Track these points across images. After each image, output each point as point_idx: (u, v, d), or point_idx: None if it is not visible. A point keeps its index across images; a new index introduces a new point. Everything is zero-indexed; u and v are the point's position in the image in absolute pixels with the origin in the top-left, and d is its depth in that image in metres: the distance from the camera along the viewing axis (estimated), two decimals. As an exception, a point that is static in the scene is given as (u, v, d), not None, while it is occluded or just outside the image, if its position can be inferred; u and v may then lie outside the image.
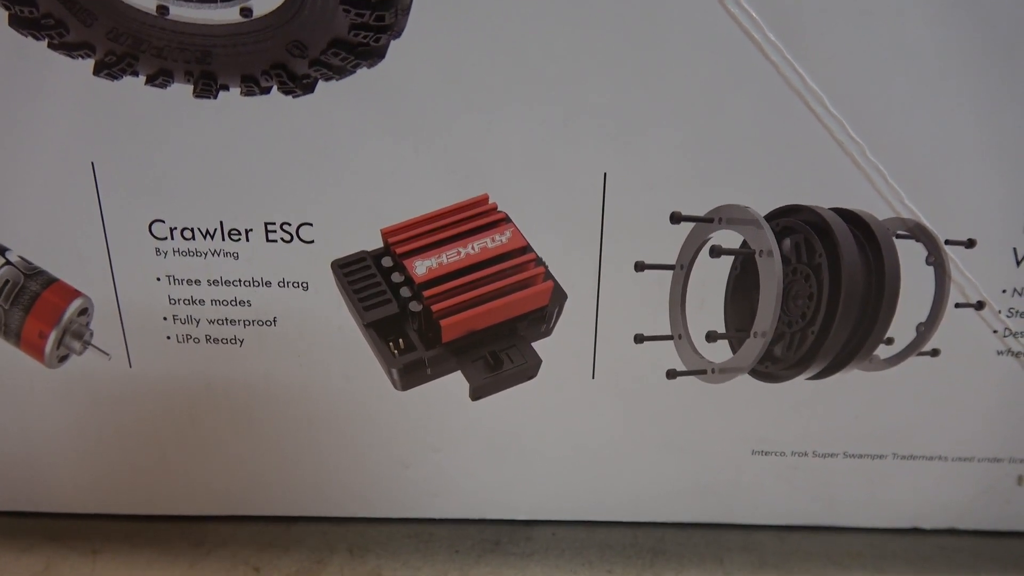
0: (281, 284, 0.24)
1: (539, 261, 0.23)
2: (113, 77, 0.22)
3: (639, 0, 0.20)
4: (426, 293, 0.24)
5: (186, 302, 0.24)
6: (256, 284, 0.24)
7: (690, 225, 0.23)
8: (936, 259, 0.23)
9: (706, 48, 0.21)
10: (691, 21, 0.21)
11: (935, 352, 0.24)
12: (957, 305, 0.23)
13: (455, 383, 0.25)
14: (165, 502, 0.27)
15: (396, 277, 0.24)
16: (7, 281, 0.24)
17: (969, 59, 0.21)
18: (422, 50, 0.21)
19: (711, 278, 0.23)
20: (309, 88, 0.22)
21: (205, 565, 0.27)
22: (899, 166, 0.22)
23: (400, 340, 0.24)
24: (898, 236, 0.23)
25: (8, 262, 0.24)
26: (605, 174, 0.22)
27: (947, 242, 0.23)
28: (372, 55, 0.22)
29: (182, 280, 0.24)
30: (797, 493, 0.27)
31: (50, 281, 0.24)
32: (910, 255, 0.23)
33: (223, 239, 0.24)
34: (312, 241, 0.23)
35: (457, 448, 0.26)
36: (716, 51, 0.21)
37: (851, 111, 0.21)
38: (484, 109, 0.22)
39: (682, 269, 0.23)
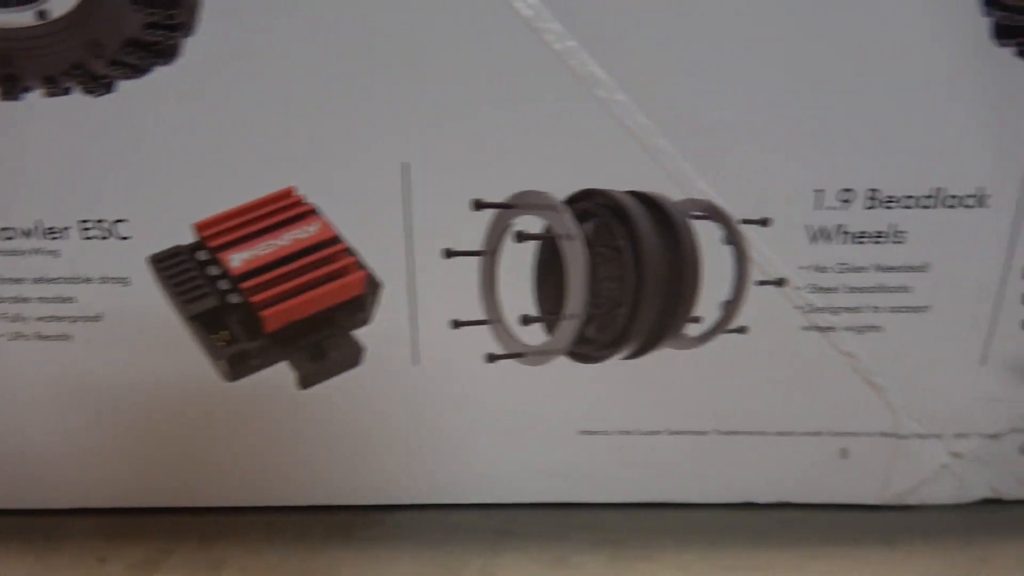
0: (102, 280, 0.25)
1: (350, 251, 0.24)
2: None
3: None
4: (244, 285, 0.24)
5: (13, 300, 0.25)
6: (78, 281, 0.25)
7: (494, 211, 0.24)
8: (732, 238, 0.24)
9: (494, 38, 0.21)
10: (478, 12, 0.21)
11: (743, 329, 0.25)
12: (759, 282, 0.24)
13: (284, 374, 0.26)
14: (9, 497, 0.28)
15: (213, 270, 0.24)
16: None
17: (755, 37, 0.21)
18: (222, 47, 0.22)
19: (522, 263, 0.24)
20: (108, 87, 0.22)
21: (51, 558, 0.28)
22: (690, 148, 0.23)
23: (224, 332, 0.25)
24: (694, 217, 0.24)
25: None
26: (405, 164, 0.23)
27: (742, 221, 0.24)
28: (166, 54, 0.22)
29: (6, 279, 0.25)
30: (629, 471, 0.27)
31: None
32: (709, 235, 0.24)
33: (42, 238, 0.24)
34: (129, 237, 0.24)
35: (300, 436, 0.27)
36: (504, 40, 0.21)
37: (638, 95, 0.22)
38: (286, 103, 0.22)
39: (490, 255, 0.24)
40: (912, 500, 0.28)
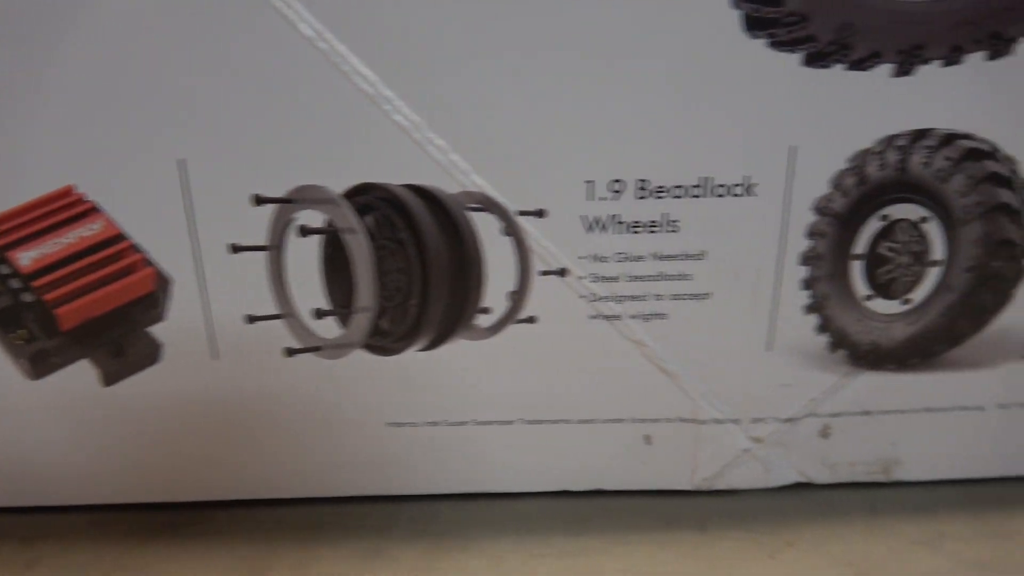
0: None
1: (136, 248, 0.24)
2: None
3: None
4: (36, 283, 0.24)
5: None
6: None
7: (275, 206, 0.24)
8: (510, 229, 0.24)
9: (258, 34, 0.22)
10: (244, 10, 0.22)
11: (532, 319, 0.25)
12: (542, 272, 0.25)
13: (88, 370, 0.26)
14: None
15: (3, 269, 0.25)
16: None
17: (519, 31, 0.22)
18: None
19: (309, 256, 0.25)
20: None
21: None
22: (461, 143, 0.23)
23: (22, 331, 0.25)
24: (471, 209, 0.24)
25: None
26: (181, 160, 0.23)
27: (518, 212, 0.24)
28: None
29: None
30: (441, 462, 0.28)
31: None
32: (489, 227, 0.24)
33: None
34: (-84, 237, 0.24)
35: (108, 433, 0.27)
36: (269, 37, 0.22)
37: (404, 91, 0.23)
38: (62, 102, 0.23)
39: (275, 249, 0.24)
40: (722, 485, 0.29)
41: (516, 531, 0.29)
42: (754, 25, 0.22)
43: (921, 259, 0.25)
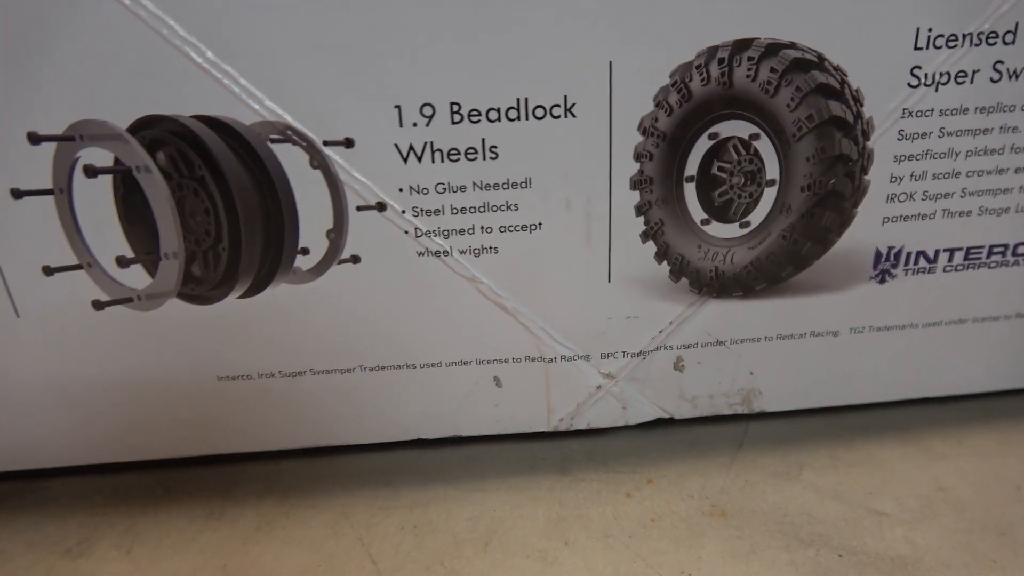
0: None
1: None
2: None
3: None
4: None
5: None
6: None
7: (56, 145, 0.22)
8: (319, 162, 0.23)
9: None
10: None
11: (356, 259, 0.24)
12: (359, 208, 0.24)
13: None
14: None
15: None
16: None
17: None
18: None
19: (104, 199, 0.23)
20: None
21: None
22: (253, 66, 0.22)
23: None
24: (273, 141, 0.23)
25: None
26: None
27: (325, 143, 0.23)
28: None
29: None
30: (281, 417, 0.27)
31: None
32: (295, 161, 0.23)
33: None
34: None
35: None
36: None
37: (187, 14, 0.21)
38: None
39: (62, 193, 0.23)
40: (582, 425, 0.28)
41: (365, 484, 0.28)
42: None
43: (756, 179, 0.25)
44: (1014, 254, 0.27)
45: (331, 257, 0.24)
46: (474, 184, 0.23)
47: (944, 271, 0.27)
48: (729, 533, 0.25)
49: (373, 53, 0.22)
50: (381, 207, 0.23)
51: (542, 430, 0.28)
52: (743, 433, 0.30)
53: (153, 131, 0.22)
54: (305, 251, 0.24)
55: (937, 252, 0.26)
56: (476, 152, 0.23)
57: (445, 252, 0.24)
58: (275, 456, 0.28)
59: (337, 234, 0.24)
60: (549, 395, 0.27)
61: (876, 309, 0.27)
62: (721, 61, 0.23)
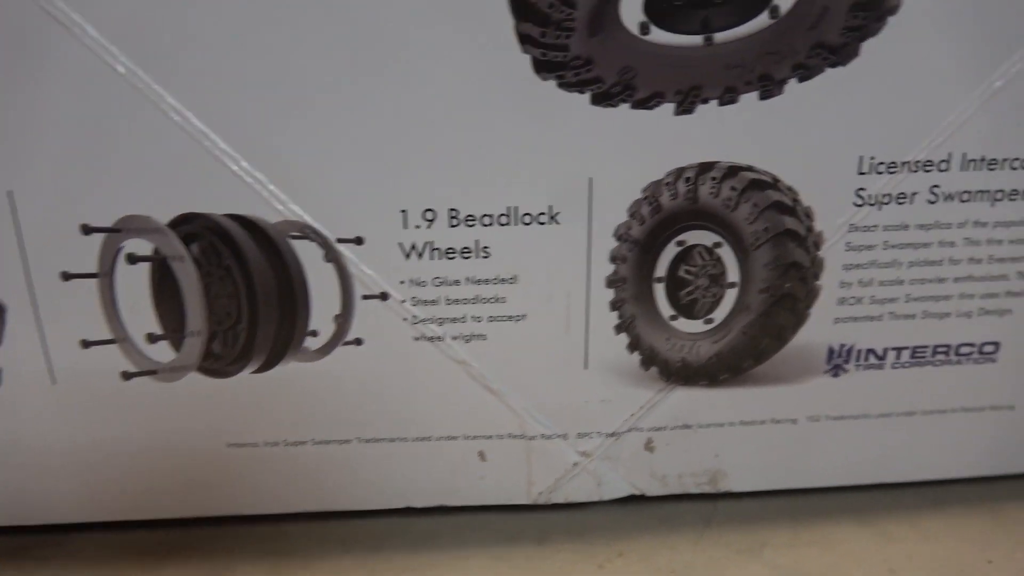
0: None
1: (-31, 276, 0.25)
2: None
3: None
4: None
5: None
6: None
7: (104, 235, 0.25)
8: (331, 256, 0.26)
9: (69, 66, 0.23)
10: (58, 56, 0.23)
11: (359, 341, 0.27)
12: (365, 297, 0.26)
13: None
14: None
15: None
16: None
17: (329, 66, 0.24)
18: None
19: (139, 283, 0.26)
20: None
21: None
22: (280, 174, 0.25)
23: None
24: (293, 237, 0.26)
25: None
26: (9, 191, 0.24)
27: (338, 240, 0.26)
28: None
29: None
30: (284, 482, 0.29)
31: None
32: (312, 255, 0.26)
33: None
34: None
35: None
36: (88, 80, 0.23)
37: (216, 124, 0.24)
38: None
39: (106, 276, 0.25)
40: (560, 499, 0.30)
41: (359, 549, 0.30)
42: (543, 68, 0.25)
43: (719, 281, 0.27)
44: (957, 354, 0.29)
45: (337, 339, 0.27)
46: (467, 279, 0.26)
47: (893, 367, 0.29)
48: (691, 606, 0.27)
49: (384, 165, 0.25)
50: (384, 296, 0.26)
51: (523, 502, 0.30)
52: (713, 511, 0.32)
53: (190, 226, 0.25)
54: (314, 333, 0.27)
55: (886, 350, 0.29)
56: (470, 251, 0.26)
57: (439, 338, 0.27)
58: (277, 519, 0.30)
59: (344, 319, 0.26)
60: (530, 470, 0.29)
61: (831, 400, 0.29)
62: (688, 180, 0.26)
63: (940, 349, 0.29)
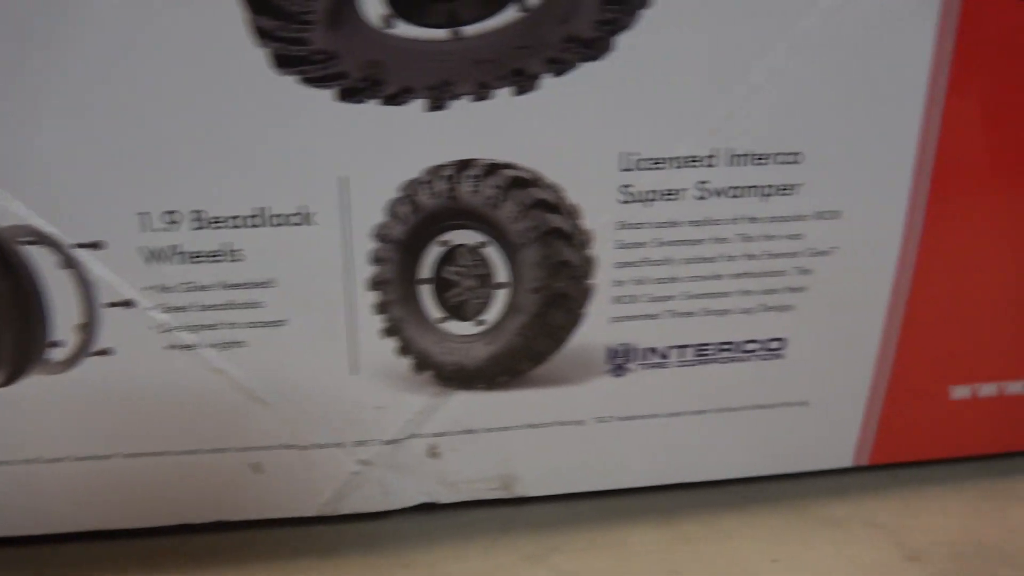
0: None
1: None
2: None
3: None
4: None
5: None
6: None
7: None
8: (68, 262, 0.24)
9: None
10: None
11: (107, 351, 0.25)
12: (109, 304, 0.25)
13: None
14: None
15: None
16: None
17: (64, 60, 0.22)
18: None
19: None
20: None
21: None
22: (6, 176, 0.23)
23: None
24: (24, 243, 0.24)
25: None
26: None
27: (75, 245, 0.24)
28: None
29: None
30: (48, 500, 0.27)
31: None
32: (49, 261, 0.24)
33: None
34: None
35: None
36: None
37: None
38: None
39: None
40: (347, 509, 0.29)
41: (134, 569, 0.28)
42: (283, 63, 0.24)
43: (487, 282, 0.27)
44: (743, 351, 0.29)
45: (83, 350, 0.25)
46: (218, 284, 0.25)
47: (678, 366, 0.29)
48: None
49: (119, 165, 0.23)
50: (128, 304, 0.25)
51: (305, 515, 0.29)
52: (515, 516, 0.31)
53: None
54: (56, 344, 0.25)
55: (668, 349, 0.29)
56: (220, 255, 0.25)
57: (193, 346, 0.26)
58: (39, 541, 0.28)
59: (87, 329, 0.25)
60: (310, 481, 0.28)
61: (618, 400, 0.29)
62: (446, 178, 0.25)
63: (725, 346, 0.29)
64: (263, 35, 0.23)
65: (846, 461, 0.32)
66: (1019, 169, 0.28)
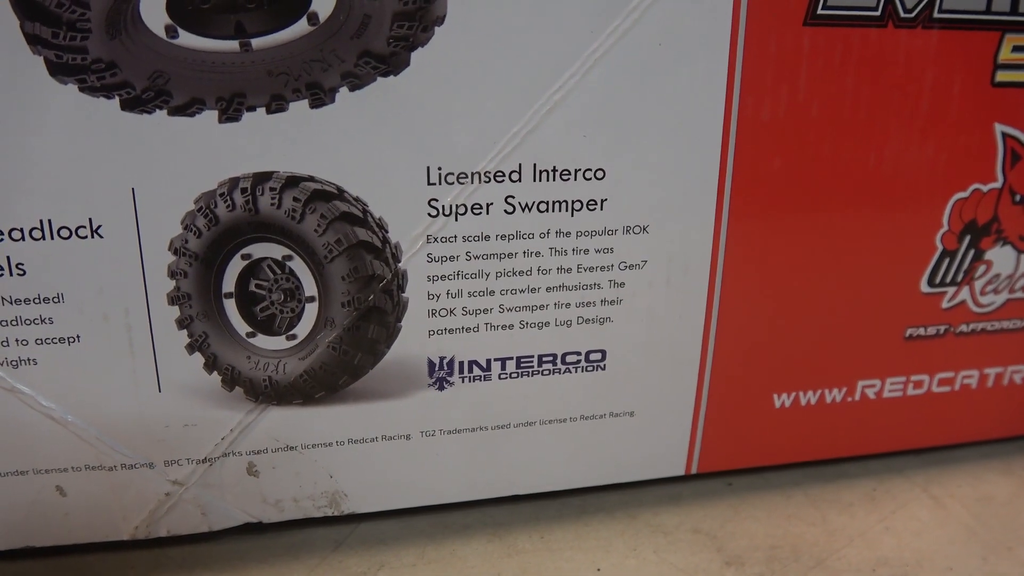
0: None
1: None
2: None
3: None
4: None
5: None
6: None
7: None
8: None
9: None
10: None
11: None
12: None
13: None
14: None
15: None
16: None
17: None
18: None
19: None
20: None
21: None
22: None
23: None
24: None
25: None
26: None
27: None
28: None
29: None
30: None
31: None
32: None
33: None
34: None
35: None
36: None
37: None
38: None
39: None
40: (162, 532, 0.28)
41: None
42: (59, 71, 0.23)
43: (295, 295, 0.27)
44: (563, 362, 0.30)
45: None
46: (2, 299, 0.24)
47: (500, 378, 0.29)
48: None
49: None
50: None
51: (120, 539, 0.28)
52: (349, 534, 0.31)
53: None
54: None
55: (489, 361, 0.29)
56: (1, 269, 0.24)
57: (-18, 365, 0.25)
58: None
59: None
60: (119, 503, 0.27)
61: (442, 414, 0.29)
62: (244, 191, 0.25)
63: (546, 358, 0.29)
64: (35, 41, 0.23)
65: (678, 470, 0.33)
66: (814, 186, 0.29)
